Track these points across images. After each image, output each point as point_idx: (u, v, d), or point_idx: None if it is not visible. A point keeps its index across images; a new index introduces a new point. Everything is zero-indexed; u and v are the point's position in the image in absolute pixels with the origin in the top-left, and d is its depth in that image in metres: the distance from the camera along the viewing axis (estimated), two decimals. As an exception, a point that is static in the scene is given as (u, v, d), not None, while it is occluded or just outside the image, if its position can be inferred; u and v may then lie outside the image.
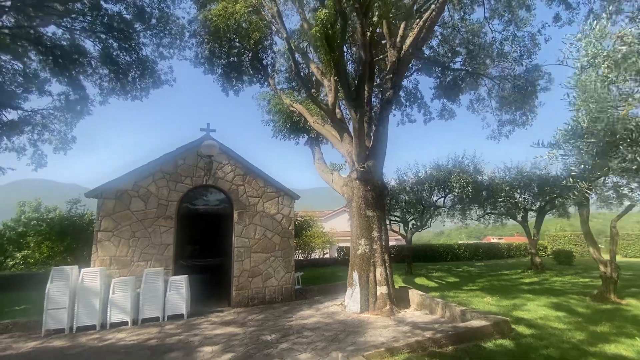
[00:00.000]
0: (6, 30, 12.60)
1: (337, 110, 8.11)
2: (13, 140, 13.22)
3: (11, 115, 13.29)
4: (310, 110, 9.28)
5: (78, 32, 13.23)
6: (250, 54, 14.24)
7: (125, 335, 6.04)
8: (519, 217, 14.91)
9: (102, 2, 12.98)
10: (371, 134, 7.82)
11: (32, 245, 14.14)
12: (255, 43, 11.37)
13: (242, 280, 8.27)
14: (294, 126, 10.24)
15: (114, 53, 14.08)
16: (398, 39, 7.67)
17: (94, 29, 13.09)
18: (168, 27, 14.50)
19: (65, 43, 13.64)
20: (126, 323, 6.74)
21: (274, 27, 11.17)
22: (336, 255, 20.54)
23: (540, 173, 13.00)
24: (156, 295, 7.09)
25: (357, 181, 7.53)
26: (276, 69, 14.76)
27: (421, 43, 8.12)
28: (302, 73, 8.76)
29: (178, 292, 7.25)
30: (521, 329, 5.61)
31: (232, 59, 14.13)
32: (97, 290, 6.68)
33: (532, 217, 15.20)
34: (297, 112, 9.88)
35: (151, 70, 14.52)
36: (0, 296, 11.60)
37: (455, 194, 12.22)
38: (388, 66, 7.77)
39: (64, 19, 12.91)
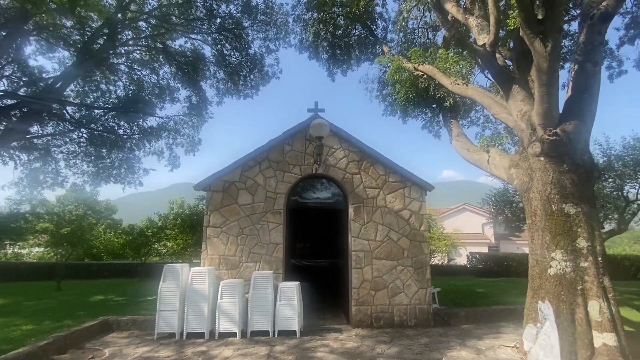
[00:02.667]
0: (144, 48, 14.32)
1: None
2: (153, 145, 14.91)
3: (150, 122, 15.04)
4: (446, 69, 6.82)
5: (195, 36, 13.99)
6: (357, 28, 12.61)
7: (231, 352, 4.98)
8: None
9: (214, 5, 13.38)
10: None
11: (170, 237, 15.83)
12: (364, 6, 9.59)
13: (363, 294, 6.47)
14: (419, 96, 7.91)
15: (227, 54, 14.53)
16: None
17: (209, 31, 13.62)
18: (273, 19, 14.18)
19: (188, 52, 14.69)
20: (234, 334, 5.78)
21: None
22: (466, 262, 16.93)
23: None
24: (265, 305, 5.95)
25: (543, 158, 4.74)
26: (387, 41, 12.67)
27: None
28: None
29: (289, 302, 5.95)
30: None
31: (337, 38, 12.77)
32: (206, 293, 5.93)
33: None
34: (425, 77, 7.53)
35: (260, 66, 14.45)
36: (144, 282, 13.12)
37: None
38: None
39: (186, 27, 13.80)
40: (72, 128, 12.02)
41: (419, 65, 7.46)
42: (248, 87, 15.03)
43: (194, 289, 5.96)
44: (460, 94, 6.65)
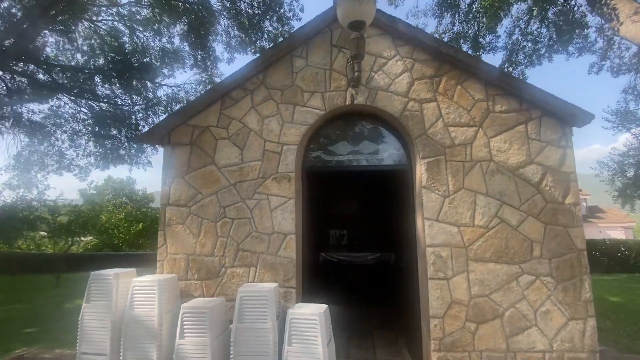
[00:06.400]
0: (147, 9, 11.95)
1: None
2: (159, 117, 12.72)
3: (159, 93, 12.85)
4: None
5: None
6: None
7: None
8: None
9: None
10: None
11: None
12: None
13: (453, 328, 3.32)
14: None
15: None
16: None
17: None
18: None
19: (195, 7, 12.03)
20: (204, 408, 3.01)
21: None
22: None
23: None
24: (262, 352, 3.08)
25: None
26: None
27: None
28: None
29: (307, 348, 3.00)
30: None
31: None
32: (154, 324, 3.21)
33: None
34: None
35: (277, 5, 11.37)
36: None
37: None
38: None
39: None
40: (48, 92, 10.00)
41: None
42: (264, 39, 12.16)
43: (135, 317, 3.26)
44: None
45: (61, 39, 10.11)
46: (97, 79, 10.58)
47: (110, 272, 3.46)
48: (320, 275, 6.16)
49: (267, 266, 3.60)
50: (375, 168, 4.09)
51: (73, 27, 10.31)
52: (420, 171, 3.60)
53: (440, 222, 3.48)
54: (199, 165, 3.83)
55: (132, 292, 3.31)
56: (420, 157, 3.61)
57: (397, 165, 3.98)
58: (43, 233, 13.48)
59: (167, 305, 3.32)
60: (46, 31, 10.02)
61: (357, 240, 7.96)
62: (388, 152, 4.02)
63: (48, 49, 10.71)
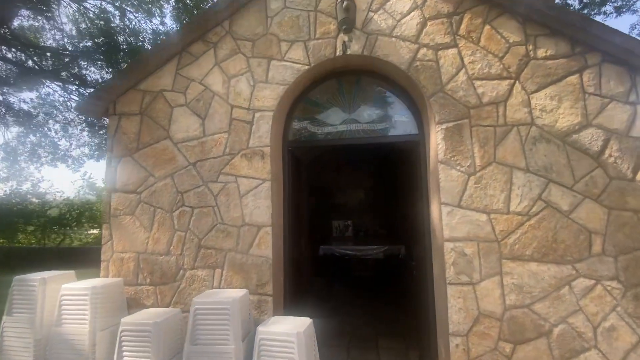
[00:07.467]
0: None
1: None
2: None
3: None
4: None
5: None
6: None
7: None
8: None
9: None
10: None
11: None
12: None
13: (481, 350, 2.46)
14: None
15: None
16: None
17: None
18: None
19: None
20: None
21: None
22: None
23: None
24: (222, 383, 2.30)
25: None
26: None
27: None
28: None
29: (282, 378, 2.20)
30: None
31: None
32: (84, 344, 2.47)
33: None
34: None
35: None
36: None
37: None
38: None
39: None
40: (33, 77, 9.39)
41: None
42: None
43: (63, 335, 2.52)
44: None
45: (40, 17, 9.41)
46: (84, 62, 9.89)
47: (37, 276, 2.73)
48: (319, 272, 5.37)
49: (236, 267, 2.80)
50: (377, 140, 3.20)
51: (55, 6, 9.56)
52: (436, 141, 2.70)
53: (464, 208, 2.59)
54: (151, 140, 3.02)
55: (60, 303, 2.57)
56: (435, 122, 2.71)
57: (406, 135, 3.08)
58: (32, 227, 13.01)
59: (104, 320, 2.57)
60: (27, 11, 9.35)
61: (363, 231, 7.12)
62: (394, 119, 3.12)
63: (31, 32, 10.06)
